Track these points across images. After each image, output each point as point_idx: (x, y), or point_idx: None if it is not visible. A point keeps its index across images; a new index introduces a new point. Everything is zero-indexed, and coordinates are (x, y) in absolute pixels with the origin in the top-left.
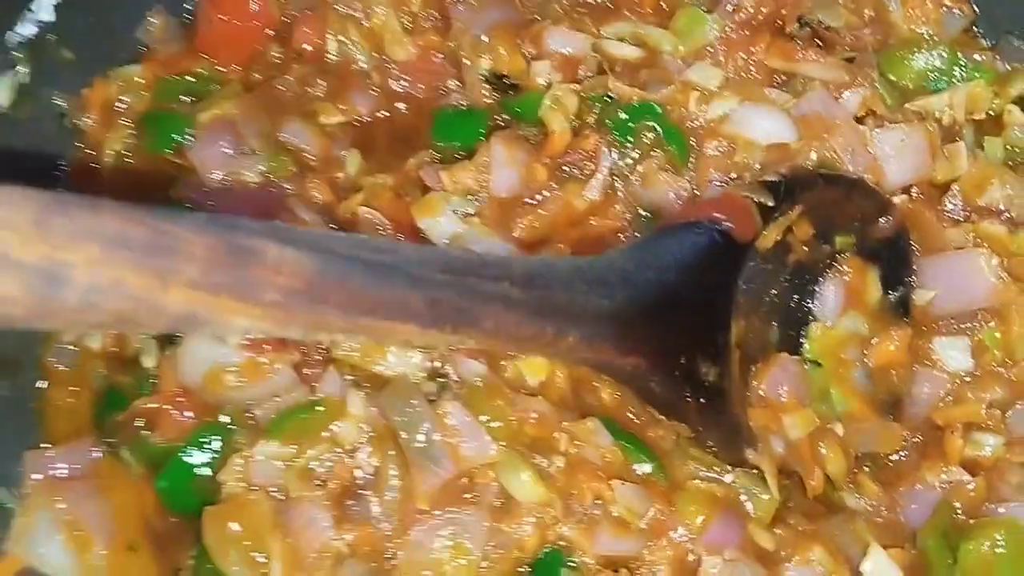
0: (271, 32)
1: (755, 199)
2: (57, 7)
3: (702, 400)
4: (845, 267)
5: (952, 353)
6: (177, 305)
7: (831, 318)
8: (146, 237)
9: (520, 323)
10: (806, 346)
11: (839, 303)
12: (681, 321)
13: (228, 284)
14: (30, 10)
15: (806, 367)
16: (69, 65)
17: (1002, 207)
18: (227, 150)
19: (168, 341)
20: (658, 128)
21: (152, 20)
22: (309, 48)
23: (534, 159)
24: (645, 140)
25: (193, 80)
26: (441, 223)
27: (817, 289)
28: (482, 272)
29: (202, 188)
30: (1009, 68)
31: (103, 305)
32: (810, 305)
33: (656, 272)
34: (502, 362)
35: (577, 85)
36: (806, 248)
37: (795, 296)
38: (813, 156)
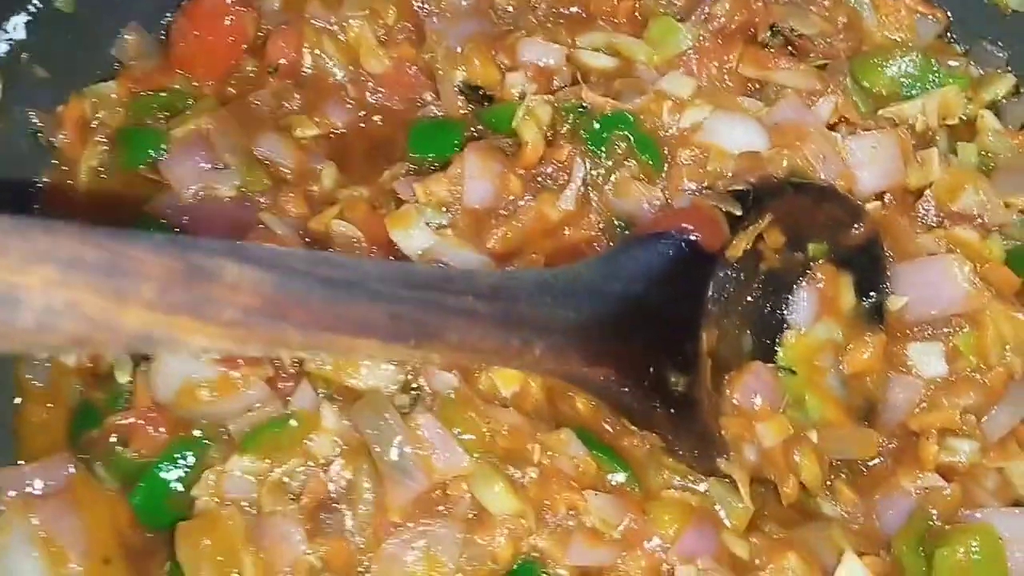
0: (246, 47)
1: (723, 208)
2: (30, 25)
3: (672, 410)
4: (818, 274)
5: (927, 359)
6: (134, 325)
7: (805, 325)
8: (102, 258)
9: (485, 336)
10: (780, 353)
11: (813, 310)
12: (650, 331)
13: (185, 303)
14: (3, 30)
15: (780, 375)
16: (43, 83)
17: (975, 212)
18: (201, 165)
19: (143, 357)
20: (631, 137)
21: (127, 36)
22: (284, 62)
23: (508, 170)
24: (618, 150)
25: (168, 96)
26: (414, 235)
27: (790, 296)
28: (446, 286)
29: (177, 203)
30: (982, 73)
31: (59, 327)
32: (784, 312)
33: (624, 283)
34: (475, 374)
35: (551, 96)
36: (778, 256)
37: (768, 304)
38: (785, 164)
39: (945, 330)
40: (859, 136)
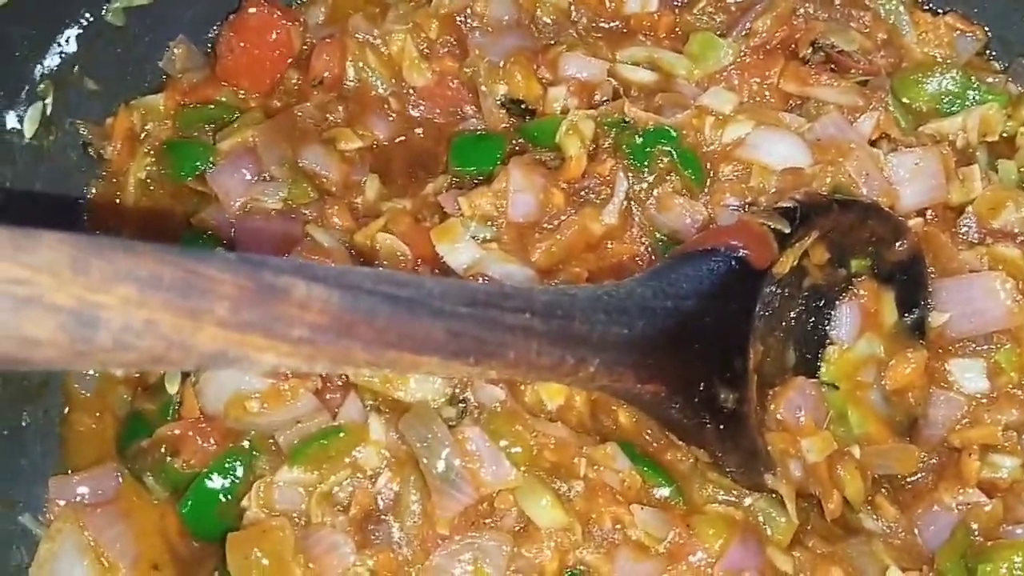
0: (291, 60)
1: (771, 226)
2: (80, 38)
3: (721, 426)
4: (861, 290)
5: (968, 375)
6: (208, 344)
7: (848, 341)
8: (178, 278)
9: (541, 353)
10: (823, 369)
11: (855, 325)
12: (700, 348)
13: (257, 322)
14: (56, 43)
15: (823, 390)
16: (93, 95)
17: (1016, 230)
18: (248, 177)
19: None
20: (673, 152)
21: (175, 50)
22: (328, 75)
23: (551, 184)
24: (660, 164)
25: (214, 108)
26: (460, 249)
27: (833, 312)
28: (503, 304)
29: (223, 216)
30: (1022, 90)
31: (137, 345)
32: (827, 328)
33: (674, 300)
34: (521, 387)
35: (593, 111)
36: (821, 272)
37: (811, 319)
38: (828, 181)
39: (986, 346)
40: (901, 153)
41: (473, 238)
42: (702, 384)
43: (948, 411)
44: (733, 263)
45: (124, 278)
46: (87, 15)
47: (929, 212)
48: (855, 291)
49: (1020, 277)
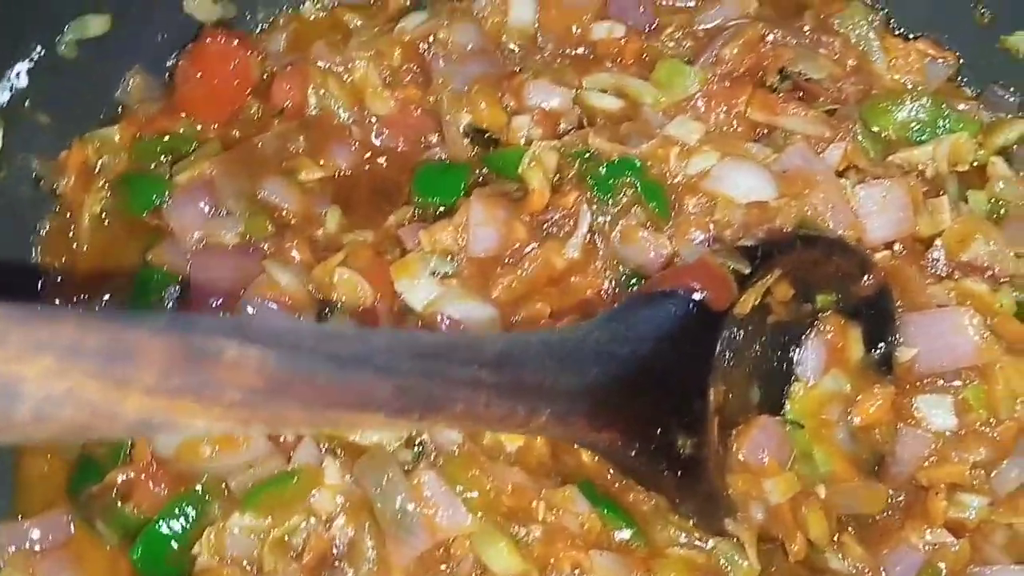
0: (250, 89)
1: (731, 266)
2: (32, 72)
3: (679, 472)
4: (826, 325)
5: (936, 412)
6: (134, 411)
7: (813, 377)
8: (103, 345)
9: (491, 405)
10: (787, 406)
11: (821, 362)
12: (657, 394)
13: (186, 387)
14: (6, 78)
15: (788, 428)
16: (46, 128)
17: (986, 263)
18: (204, 212)
19: None
20: (638, 184)
21: (131, 80)
22: (289, 104)
23: (513, 217)
24: (625, 197)
25: (171, 139)
26: (418, 285)
27: (798, 348)
28: (452, 356)
29: (180, 251)
30: (993, 118)
31: (58, 416)
32: (791, 364)
33: (631, 344)
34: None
35: (557, 141)
36: (786, 308)
37: (776, 356)
38: (793, 215)
39: (955, 382)
40: (869, 185)
41: (433, 273)
42: (659, 430)
43: (915, 448)
44: (691, 305)
45: (44, 348)
46: (38, 48)
47: (897, 244)
48: (821, 326)
49: (988, 312)
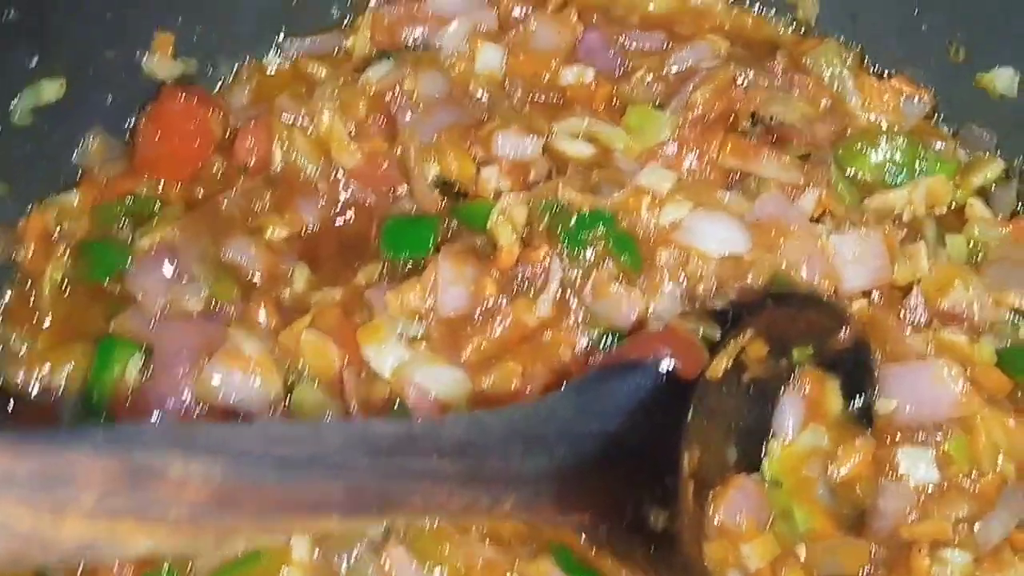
0: (213, 148)
1: (701, 332)
2: None
3: (652, 547)
4: (803, 380)
5: (918, 465)
6: (72, 537)
7: (791, 433)
8: (37, 470)
9: (452, 496)
10: (765, 464)
11: (799, 417)
12: (627, 469)
13: (128, 507)
14: None
15: (766, 487)
16: (3, 197)
17: (964, 311)
18: (167, 277)
19: None
20: (609, 237)
21: (90, 142)
22: (253, 160)
23: (483, 274)
24: (596, 250)
25: (133, 202)
26: (386, 351)
27: (775, 404)
28: (409, 448)
29: (143, 319)
30: (971, 157)
31: None
32: (768, 421)
33: (599, 420)
34: None
35: (526, 194)
36: (761, 365)
37: (752, 412)
38: (767, 268)
39: (936, 435)
40: (843, 234)
41: (401, 337)
42: (630, 507)
43: (898, 503)
44: (661, 375)
45: None
46: None
47: (875, 293)
48: (797, 381)
49: (967, 364)
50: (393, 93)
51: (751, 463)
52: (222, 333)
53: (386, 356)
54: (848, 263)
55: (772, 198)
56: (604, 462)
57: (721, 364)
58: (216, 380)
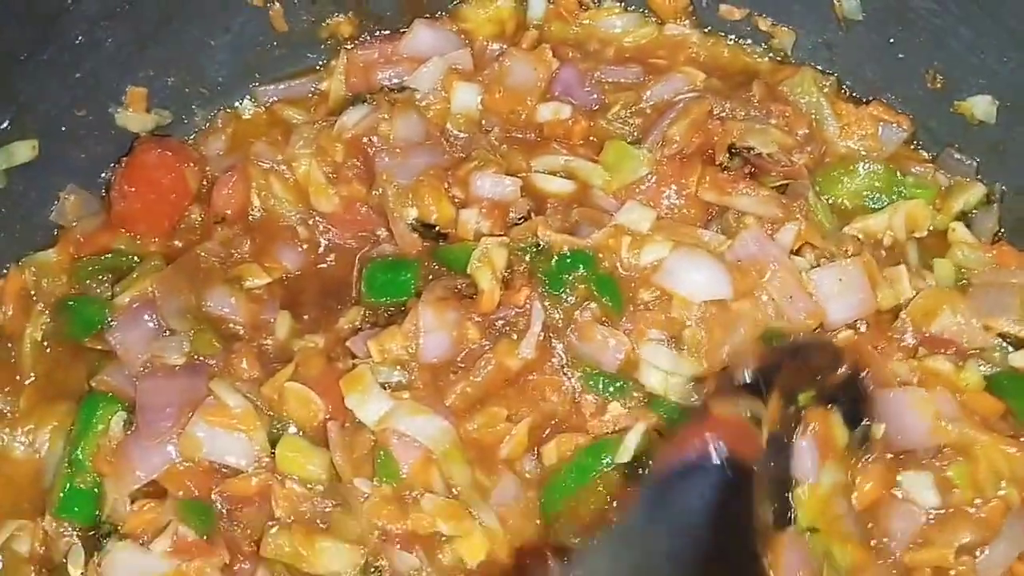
0: (189, 200)
1: (749, 413)
2: None
3: None
4: (811, 420)
5: (918, 488)
6: None
7: (813, 476)
8: None
9: None
10: (798, 513)
11: (815, 458)
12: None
13: None
14: None
15: (807, 537)
16: None
17: (952, 337)
18: (148, 332)
19: (95, 548)
20: (591, 278)
21: (66, 199)
22: (230, 212)
23: (465, 318)
24: (578, 290)
25: (111, 257)
26: (369, 400)
27: (789, 452)
28: None
29: (125, 375)
30: (951, 181)
31: None
32: (786, 471)
33: (678, 534)
34: (437, 551)
35: (505, 237)
36: (777, 419)
37: (775, 467)
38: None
39: (936, 462)
40: (824, 268)
41: (384, 385)
42: None
43: (906, 523)
44: (726, 469)
45: None
46: None
47: (860, 322)
48: (806, 423)
49: (955, 391)
50: (369, 137)
51: (781, 518)
52: (205, 387)
53: (369, 406)
54: (831, 297)
55: (752, 235)
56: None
57: (765, 435)
58: (200, 436)
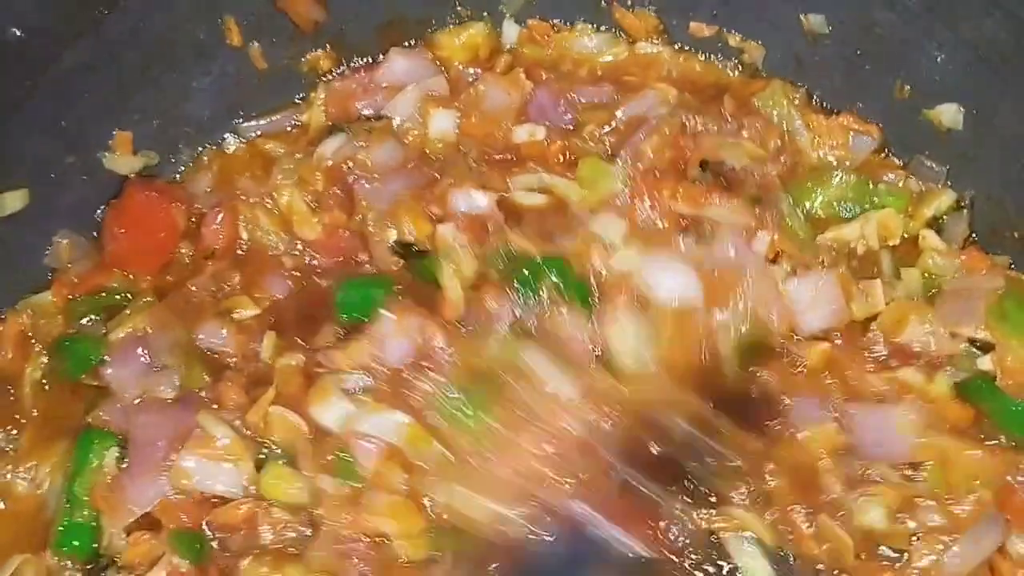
0: (178, 238)
1: None
2: None
3: None
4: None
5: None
6: None
7: None
8: None
9: None
10: None
11: None
12: None
13: None
14: None
15: None
16: None
17: (921, 347)
18: (141, 368)
19: None
20: (560, 283)
21: (59, 243)
22: (218, 247)
23: (430, 320)
24: (550, 295)
25: (105, 296)
26: (332, 407)
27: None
28: None
29: (119, 409)
30: (922, 188)
31: None
32: None
33: None
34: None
35: (478, 247)
36: None
37: None
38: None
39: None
40: (800, 278)
41: (346, 392)
42: None
43: None
44: None
45: None
46: None
47: (835, 333)
48: None
49: (925, 400)
50: (348, 164)
51: None
52: (193, 420)
53: (331, 412)
54: (806, 307)
55: (727, 244)
56: None
57: None
58: (189, 468)
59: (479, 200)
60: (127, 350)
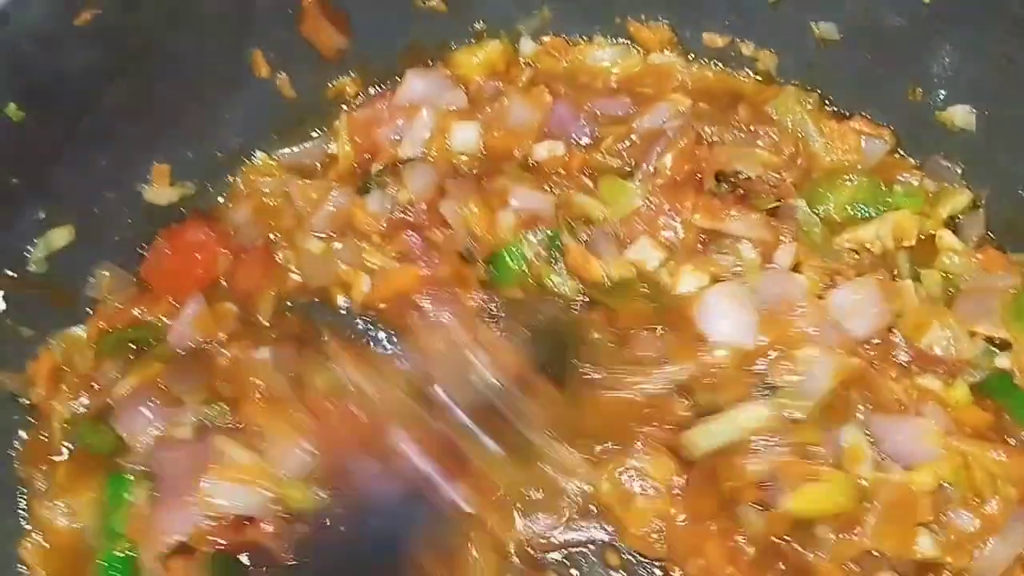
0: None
1: None
2: (7, 298)
3: None
4: None
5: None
6: None
7: None
8: None
9: None
10: None
11: None
12: None
13: None
14: None
15: None
16: (27, 340)
17: (942, 352)
18: (151, 414)
19: None
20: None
21: (102, 274)
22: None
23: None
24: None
25: (136, 331)
26: None
27: None
28: None
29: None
30: (938, 187)
31: None
32: None
33: None
34: None
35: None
36: None
37: None
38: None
39: None
40: (838, 288)
41: None
42: None
43: None
44: None
45: None
46: (8, 273)
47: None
48: None
49: (945, 407)
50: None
51: None
52: (212, 448)
53: None
54: (851, 316)
55: (771, 277)
56: None
57: None
58: (214, 493)
59: (539, 199)
60: (133, 402)
